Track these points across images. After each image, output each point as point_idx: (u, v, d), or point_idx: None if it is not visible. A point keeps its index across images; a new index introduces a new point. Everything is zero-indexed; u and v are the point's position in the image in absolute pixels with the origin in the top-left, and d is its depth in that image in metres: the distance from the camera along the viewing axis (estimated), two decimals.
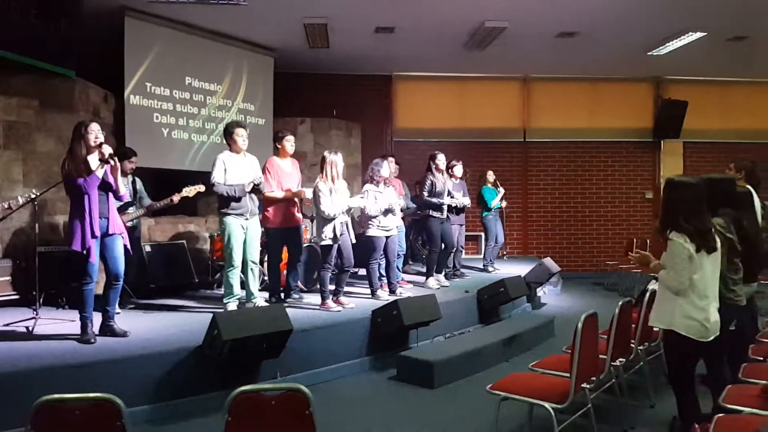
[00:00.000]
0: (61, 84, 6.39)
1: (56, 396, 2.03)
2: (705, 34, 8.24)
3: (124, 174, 5.61)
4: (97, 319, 4.46)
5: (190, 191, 5.52)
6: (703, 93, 11.02)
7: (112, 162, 4.32)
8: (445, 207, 6.97)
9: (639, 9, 7.35)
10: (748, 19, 7.74)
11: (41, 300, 5.07)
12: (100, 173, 4.27)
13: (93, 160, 4.30)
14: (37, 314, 4.76)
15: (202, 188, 5.55)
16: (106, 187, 4.38)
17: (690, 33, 8.25)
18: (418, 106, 10.88)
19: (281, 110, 9.29)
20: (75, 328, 4.67)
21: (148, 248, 6.49)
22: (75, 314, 5.17)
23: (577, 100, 11.11)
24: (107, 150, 4.30)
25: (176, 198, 5.51)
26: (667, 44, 8.78)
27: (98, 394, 2.06)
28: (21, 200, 4.82)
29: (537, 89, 11.14)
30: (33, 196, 4.85)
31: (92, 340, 4.25)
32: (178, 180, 6.16)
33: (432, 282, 6.95)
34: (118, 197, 4.54)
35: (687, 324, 3.09)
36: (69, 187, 4.32)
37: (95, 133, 4.30)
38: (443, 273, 7.31)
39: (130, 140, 7.07)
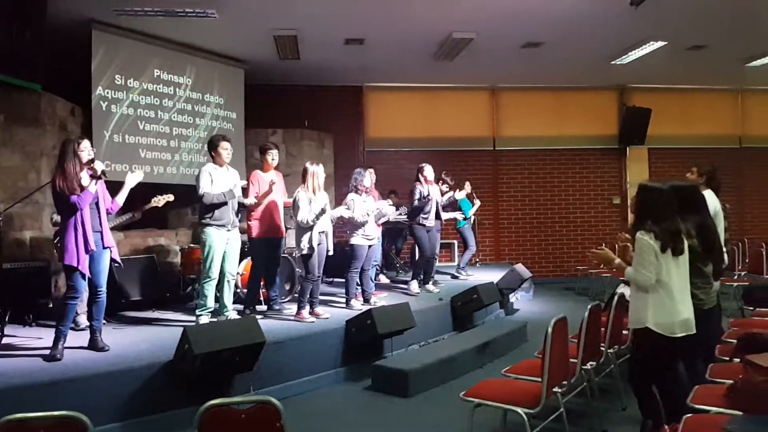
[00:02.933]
0: (27, 98, 6.29)
1: (19, 415, 1.98)
2: (666, 43, 8.49)
3: None
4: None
5: (159, 201, 5.46)
6: (665, 100, 11.33)
7: (104, 177, 4.36)
8: (431, 214, 7.09)
9: (602, 20, 7.54)
10: (706, 29, 8.00)
11: (8, 317, 4.95)
12: (93, 189, 4.30)
13: (84, 176, 4.33)
14: (2, 332, 4.64)
15: (171, 198, 5.50)
16: (98, 203, 4.41)
17: (651, 42, 8.49)
18: (389, 116, 10.96)
19: (253, 122, 9.27)
20: (42, 345, 4.56)
21: (121, 262, 6.37)
22: (42, 331, 5.07)
23: (544, 108, 11.33)
24: (99, 166, 4.35)
25: (137, 214, 5.45)
26: (630, 54, 9.01)
27: (63, 412, 2.02)
28: None
29: (505, 99, 11.32)
30: None
31: (58, 357, 4.17)
32: (146, 193, 6.07)
33: (414, 285, 7.06)
34: (107, 211, 4.57)
35: (658, 321, 3.19)
36: (61, 205, 4.30)
37: (87, 149, 4.37)
38: (431, 281, 7.41)
39: (97, 154, 6.95)
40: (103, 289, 4.51)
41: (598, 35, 8.19)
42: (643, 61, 9.31)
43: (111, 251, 4.53)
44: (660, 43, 8.51)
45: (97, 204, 4.42)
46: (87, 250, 4.25)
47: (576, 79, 10.86)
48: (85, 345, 4.47)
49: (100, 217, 4.44)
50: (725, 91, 11.70)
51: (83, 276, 4.28)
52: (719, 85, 11.44)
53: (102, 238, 4.44)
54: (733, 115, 11.83)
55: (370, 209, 6.11)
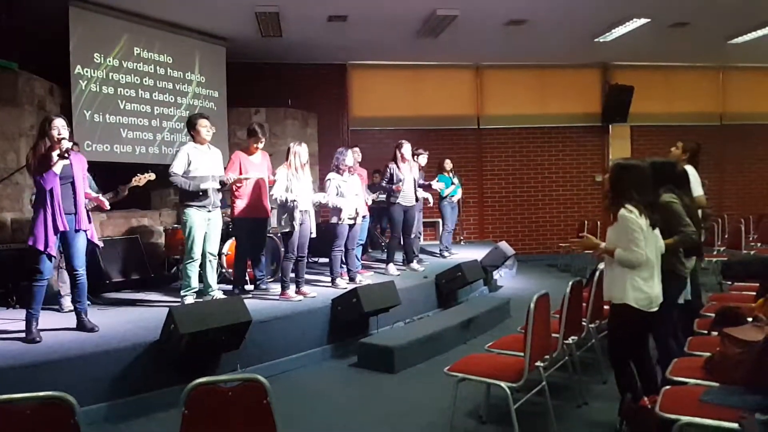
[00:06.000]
0: (3, 77, 6.17)
1: (4, 396, 1.97)
2: (649, 20, 8.51)
3: None
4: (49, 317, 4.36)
5: (140, 180, 5.40)
6: (648, 78, 11.39)
7: (68, 156, 4.22)
8: (409, 193, 7.08)
9: None
10: (688, 6, 8.03)
11: None
12: (57, 169, 4.18)
13: (54, 154, 4.21)
14: None
15: (152, 176, 5.44)
16: (71, 181, 4.31)
17: (634, 19, 8.51)
18: (373, 94, 10.91)
19: (235, 100, 9.17)
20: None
21: (100, 243, 6.33)
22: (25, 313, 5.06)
23: (527, 86, 11.35)
24: (65, 145, 4.20)
25: (123, 190, 5.36)
26: (613, 31, 9.03)
27: (49, 393, 2.01)
28: None
29: (489, 77, 11.31)
30: None
31: (37, 339, 4.14)
32: (128, 173, 6.02)
33: (392, 268, 7.03)
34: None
35: (637, 297, 3.22)
36: (33, 184, 4.29)
37: (58, 128, 4.22)
38: (414, 260, 7.45)
39: (78, 134, 6.86)
40: (82, 270, 4.44)
41: (581, 12, 8.18)
42: (626, 39, 9.34)
43: (87, 233, 4.43)
44: (643, 20, 8.53)
45: (73, 185, 4.31)
46: (56, 232, 4.16)
47: (559, 57, 10.86)
48: (73, 326, 4.44)
49: (75, 198, 4.33)
50: (707, 69, 11.78)
51: (49, 258, 4.20)
52: (701, 62, 11.52)
53: (76, 221, 4.32)
54: (714, 93, 11.95)
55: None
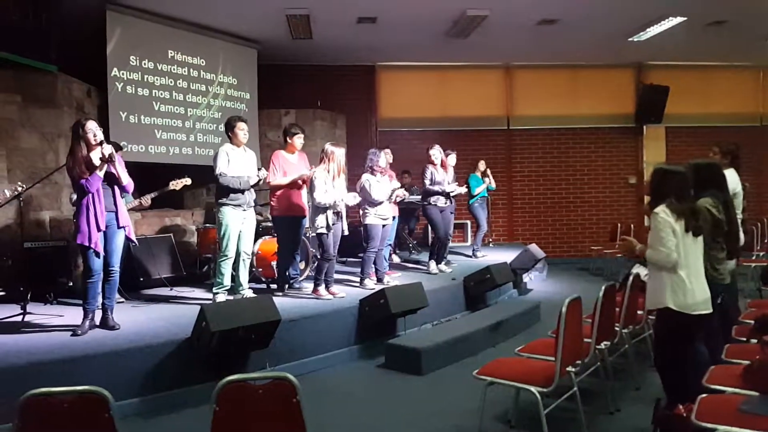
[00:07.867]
0: (43, 79, 6.33)
1: (43, 390, 2.03)
2: (685, 18, 8.31)
3: None
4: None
5: (177, 184, 5.53)
6: (683, 78, 11.11)
7: (113, 160, 4.36)
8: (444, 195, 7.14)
9: None
10: (727, 4, 7.80)
11: (29, 296, 5.06)
12: (101, 173, 4.32)
13: (95, 157, 4.34)
14: (25, 310, 4.75)
15: (188, 181, 5.58)
16: (111, 180, 4.44)
17: (670, 18, 8.31)
18: (402, 95, 10.90)
19: (266, 102, 9.27)
20: (63, 322, 4.69)
21: (136, 241, 6.47)
22: (63, 309, 5.21)
23: (559, 87, 11.18)
24: (108, 150, 4.32)
25: (145, 201, 5.53)
26: (648, 30, 8.84)
27: (85, 387, 2.07)
28: (8, 193, 4.83)
29: (519, 77, 11.18)
30: (18, 191, 4.85)
31: (80, 332, 4.28)
32: (162, 173, 6.15)
33: (433, 265, 7.16)
34: (123, 190, 4.60)
35: (676, 299, 3.19)
36: (74, 186, 4.41)
37: (93, 131, 4.35)
38: (443, 261, 7.45)
39: (114, 135, 7.02)
40: (116, 268, 4.55)
41: (615, 11, 8.04)
42: (662, 38, 9.12)
43: (126, 230, 4.57)
44: (679, 19, 8.33)
45: (111, 184, 4.45)
46: (98, 229, 4.29)
47: (592, 57, 10.68)
48: (97, 324, 4.54)
49: (114, 196, 4.48)
50: (746, 68, 11.44)
51: (97, 255, 4.33)
52: (740, 61, 11.18)
53: (117, 218, 4.48)
54: (753, 93, 11.59)
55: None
